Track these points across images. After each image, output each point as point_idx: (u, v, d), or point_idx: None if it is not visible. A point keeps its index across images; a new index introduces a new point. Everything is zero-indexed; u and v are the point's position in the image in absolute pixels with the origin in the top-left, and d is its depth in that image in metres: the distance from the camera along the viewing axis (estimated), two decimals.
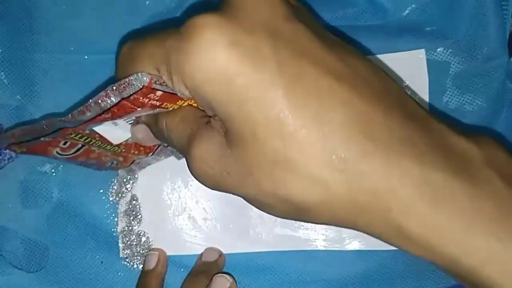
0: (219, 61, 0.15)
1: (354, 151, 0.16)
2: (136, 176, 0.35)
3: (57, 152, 0.26)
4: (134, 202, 0.35)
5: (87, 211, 0.35)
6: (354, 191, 0.16)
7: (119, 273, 0.35)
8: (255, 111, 0.16)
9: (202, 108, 0.19)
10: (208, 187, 0.19)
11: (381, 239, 0.17)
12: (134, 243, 0.35)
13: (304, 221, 0.18)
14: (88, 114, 0.20)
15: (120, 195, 0.35)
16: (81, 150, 0.27)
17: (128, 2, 0.35)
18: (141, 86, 0.18)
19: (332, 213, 0.17)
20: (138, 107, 0.20)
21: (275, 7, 0.17)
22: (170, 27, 0.17)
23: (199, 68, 0.16)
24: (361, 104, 0.16)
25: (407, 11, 0.34)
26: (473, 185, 0.16)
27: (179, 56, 0.16)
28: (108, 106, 0.19)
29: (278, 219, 0.35)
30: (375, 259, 0.34)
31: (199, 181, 0.19)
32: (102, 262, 0.35)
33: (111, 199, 0.35)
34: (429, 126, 0.17)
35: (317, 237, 0.35)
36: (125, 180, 0.35)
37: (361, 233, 0.38)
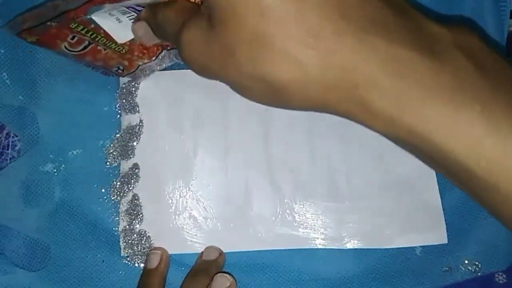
0: None
1: (327, 28, 0.16)
2: (139, 174, 0.36)
3: (65, 47, 0.28)
4: (135, 201, 0.35)
5: (89, 210, 0.35)
6: (325, 67, 0.16)
7: (120, 272, 0.35)
8: None
9: None
10: (197, 73, 0.20)
11: (348, 117, 0.18)
12: (135, 242, 0.35)
13: (280, 106, 0.19)
14: None
15: (121, 194, 0.35)
16: (88, 48, 0.28)
17: None
18: None
19: (305, 92, 0.17)
20: None
21: None
22: None
23: None
24: None
25: None
26: (436, 60, 0.16)
27: None
28: None
29: (278, 218, 0.35)
30: (374, 258, 0.34)
31: (188, 66, 0.20)
32: (103, 261, 0.35)
33: (112, 198, 0.35)
34: (405, 12, 0.18)
35: (317, 236, 0.35)
36: (126, 179, 0.35)
37: (360, 232, 0.37)
